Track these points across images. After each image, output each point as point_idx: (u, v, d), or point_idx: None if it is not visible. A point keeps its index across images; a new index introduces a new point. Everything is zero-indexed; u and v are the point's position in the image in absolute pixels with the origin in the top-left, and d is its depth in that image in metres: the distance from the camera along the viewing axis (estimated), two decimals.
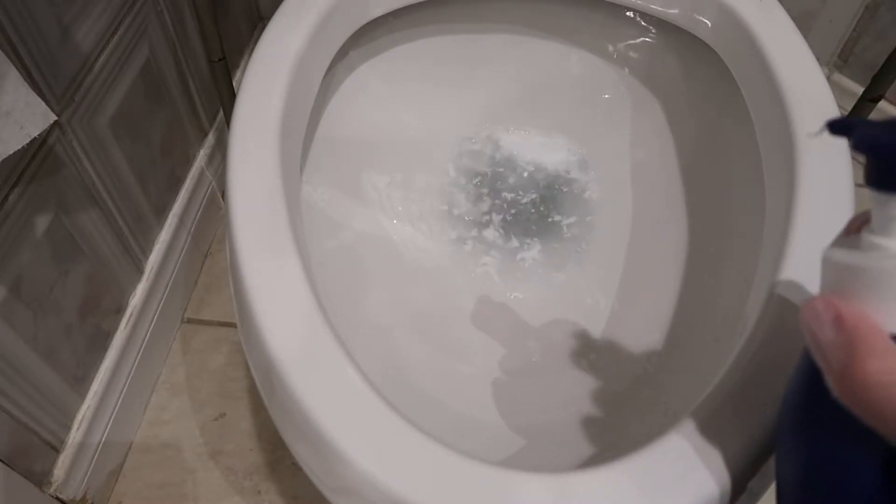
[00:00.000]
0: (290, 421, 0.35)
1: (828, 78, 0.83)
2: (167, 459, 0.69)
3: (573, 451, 0.46)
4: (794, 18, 0.51)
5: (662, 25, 0.59)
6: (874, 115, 0.76)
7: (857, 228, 0.25)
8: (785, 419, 0.27)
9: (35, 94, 0.43)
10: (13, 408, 0.53)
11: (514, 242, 0.63)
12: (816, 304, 0.23)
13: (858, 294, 0.22)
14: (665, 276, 0.57)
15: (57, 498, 0.59)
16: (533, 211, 0.65)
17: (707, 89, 0.60)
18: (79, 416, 0.62)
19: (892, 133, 0.22)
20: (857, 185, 0.45)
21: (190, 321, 0.78)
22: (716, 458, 0.31)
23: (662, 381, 0.51)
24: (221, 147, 0.84)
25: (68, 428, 0.61)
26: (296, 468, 0.67)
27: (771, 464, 0.33)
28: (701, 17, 0.55)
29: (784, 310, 0.36)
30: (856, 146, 0.23)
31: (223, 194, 0.74)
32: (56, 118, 0.45)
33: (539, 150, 0.68)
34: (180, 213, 0.76)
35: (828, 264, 0.24)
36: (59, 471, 0.59)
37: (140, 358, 0.69)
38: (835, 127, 0.23)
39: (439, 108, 0.68)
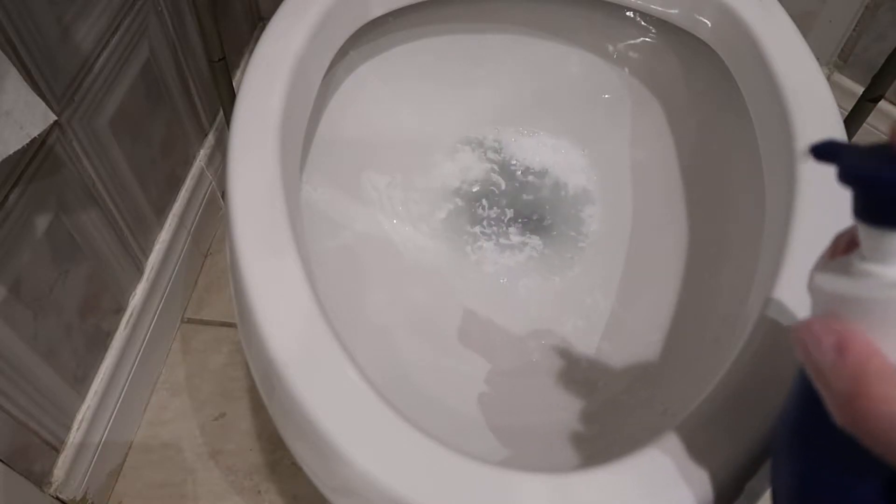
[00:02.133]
0: (290, 421, 0.35)
1: (828, 78, 0.83)
2: (167, 459, 0.69)
3: (572, 451, 0.46)
4: (794, 18, 0.51)
5: (662, 25, 0.59)
6: (874, 116, 0.76)
7: (843, 249, 0.24)
8: (781, 437, 0.26)
9: (35, 94, 0.43)
10: (13, 408, 0.53)
11: (514, 242, 0.63)
12: (814, 327, 0.21)
13: (853, 324, 0.21)
14: (665, 277, 0.57)
15: (57, 498, 0.59)
16: (533, 211, 0.65)
17: (707, 89, 0.60)
18: (79, 416, 0.62)
19: (878, 164, 0.20)
20: None
21: (190, 321, 0.78)
22: (714, 459, 0.31)
23: (662, 381, 0.51)
24: (221, 147, 0.84)
25: (68, 428, 0.61)
26: (296, 468, 0.67)
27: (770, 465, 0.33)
28: (701, 17, 0.55)
29: (784, 311, 0.36)
30: (841, 177, 0.21)
31: (223, 194, 0.74)
32: (56, 118, 0.45)
33: (539, 150, 0.68)
34: (180, 213, 0.76)
35: (817, 292, 0.23)
36: (59, 471, 0.59)
37: (140, 358, 0.69)
38: (818, 152, 0.21)
39: (439, 109, 0.68)
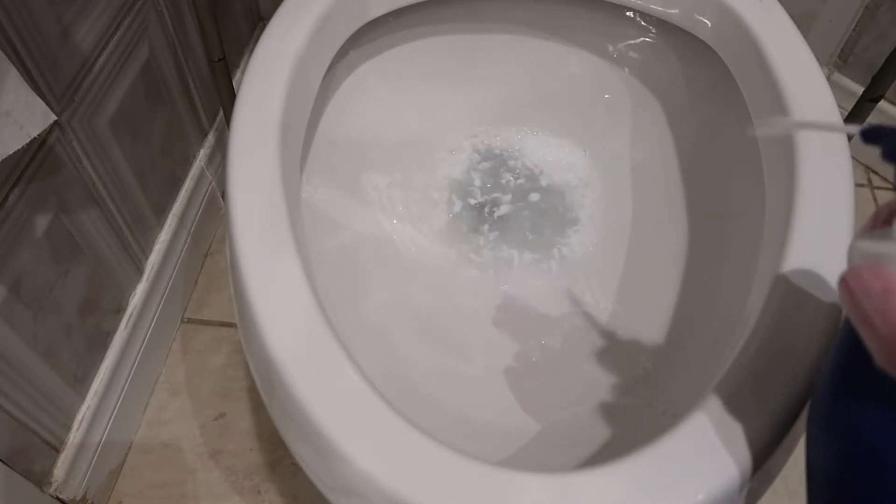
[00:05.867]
0: (290, 421, 0.35)
1: (828, 78, 0.83)
2: (167, 459, 0.69)
3: (572, 451, 0.46)
4: (794, 18, 0.51)
5: (662, 25, 0.59)
6: (874, 115, 0.76)
7: (883, 222, 0.25)
8: (820, 400, 0.26)
9: (35, 94, 0.43)
10: (13, 408, 0.53)
11: (514, 242, 0.63)
12: (863, 273, 0.22)
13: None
14: (665, 277, 0.57)
15: (57, 498, 0.59)
16: (533, 211, 0.65)
17: (707, 89, 0.60)
18: (79, 416, 0.62)
19: None
20: (856, 185, 0.45)
21: (190, 321, 0.78)
22: (715, 458, 0.31)
23: (662, 381, 0.51)
24: (221, 147, 0.84)
25: (68, 428, 0.61)
26: (296, 468, 0.67)
27: (771, 463, 0.33)
28: (701, 17, 0.55)
29: (784, 310, 0.36)
30: (885, 155, 0.23)
31: (223, 194, 0.74)
32: (56, 118, 0.45)
33: (539, 150, 0.68)
34: (180, 213, 0.76)
35: (859, 254, 0.24)
36: (59, 471, 0.59)
37: (140, 358, 0.69)
38: (866, 135, 0.24)
39: (439, 108, 0.68)
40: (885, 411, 0.23)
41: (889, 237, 0.23)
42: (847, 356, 0.25)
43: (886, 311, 0.21)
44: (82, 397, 0.62)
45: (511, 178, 0.67)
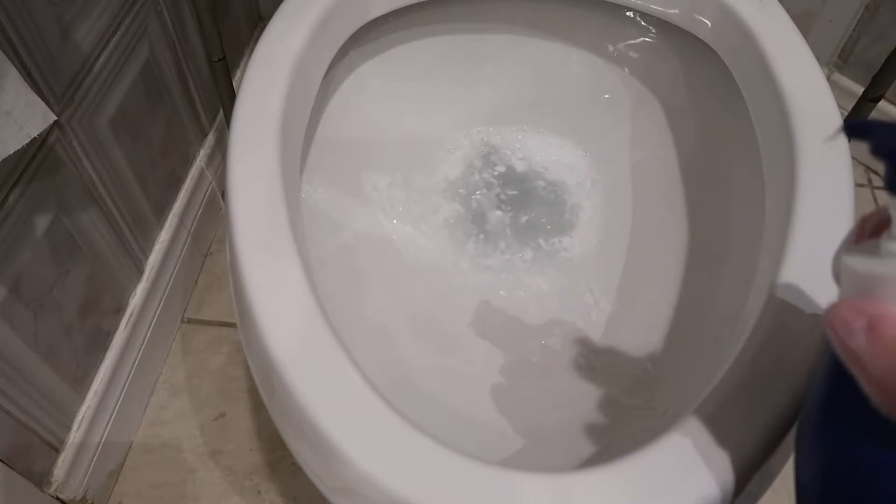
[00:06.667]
0: (290, 421, 0.35)
1: (828, 78, 0.83)
2: (167, 459, 0.69)
3: (572, 451, 0.46)
4: (794, 18, 0.51)
5: (662, 25, 0.59)
6: (874, 116, 0.76)
7: (870, 233, 0.24)
8: (808, 419, 0.25)
9: (35, 94, 0.43)
10: (13, 408, 0.53)
11: (514, 242, 0.63)
12: (843, 312, 0.21)
13: (884, 303, 0.21)
14: (665, 277, 0.57)
15: (57, 498, 0.59)
16: (532, 210, 0.65)
17: (707, 89, 0.60)
18: (79, 416, 0.62)
19: None
20: (856, 185, 0.45)
21: (190, 321, 0.78)
22: (715, 458, 0.31)
23: (662, 381, 0.51)
24: (221, 147, 0.84)
25: (68, 428, 0.61)
26: (296, 468, 0.67)
27: (771, 464, 0.33)
28: (701, 17, 0.55)
29: (784, 310, 0.36)
30: (874, 151, 0.21)
31: (223, 194, 0.74)
32: (56, 118, 0.45)
33: (539, 149, 0.68)
34: (180, 213, 0.76)
35: (847, 274, 0.22)
36: (59, 471, 0.59)
37: (140, 358, 0.69)
38: (853, 130, 0.22)
39: (439, 108, 0.68)
40: (873, 437, 0.22)
41: (877, 253, 0.22)
42: (835, 379, 0.24)
43: (872, 352, 0.20)
44: (82, 397, 0.62)
45: (510, 177, 0.67)
